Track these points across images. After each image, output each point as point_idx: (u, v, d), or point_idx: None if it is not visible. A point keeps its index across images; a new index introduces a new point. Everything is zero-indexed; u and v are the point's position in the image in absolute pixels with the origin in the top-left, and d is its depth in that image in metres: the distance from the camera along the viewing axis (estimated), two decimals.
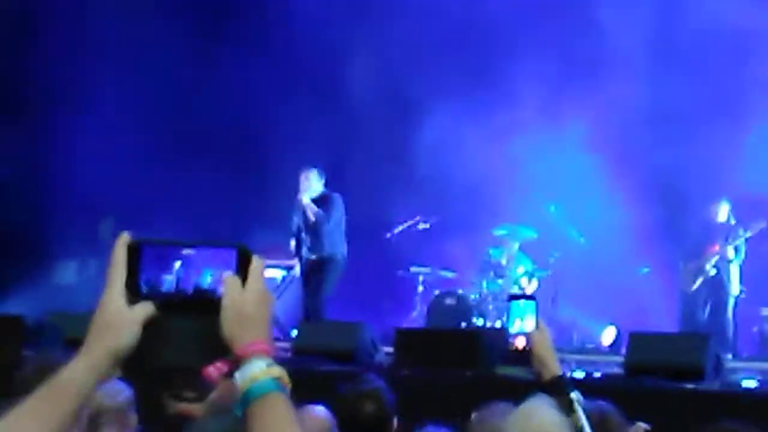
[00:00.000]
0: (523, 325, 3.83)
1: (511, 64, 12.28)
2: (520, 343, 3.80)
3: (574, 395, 3.59)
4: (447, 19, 13.06)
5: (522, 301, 3.96)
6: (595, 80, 12.10)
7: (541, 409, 3.44)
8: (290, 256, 12.09)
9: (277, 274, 12.41)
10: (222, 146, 13.87)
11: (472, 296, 11.92)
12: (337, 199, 11.29)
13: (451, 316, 11.62)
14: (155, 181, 13.04)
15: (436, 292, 12.16)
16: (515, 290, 11.89)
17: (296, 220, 11.41)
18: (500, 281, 11.95)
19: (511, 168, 12.44)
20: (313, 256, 11.29)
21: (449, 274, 12.62)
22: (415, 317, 12.19)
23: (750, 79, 11.68)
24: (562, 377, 3.71)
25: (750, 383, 8.24)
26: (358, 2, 13.37)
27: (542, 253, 12.28)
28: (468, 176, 12.70)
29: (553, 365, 3.70)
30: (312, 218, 11.13)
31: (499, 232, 12.21)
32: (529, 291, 11.88)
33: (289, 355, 9.76)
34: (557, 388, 3.59)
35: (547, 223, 12.27)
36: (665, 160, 11.93)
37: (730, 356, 9.92)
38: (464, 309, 11.69)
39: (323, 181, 11.29)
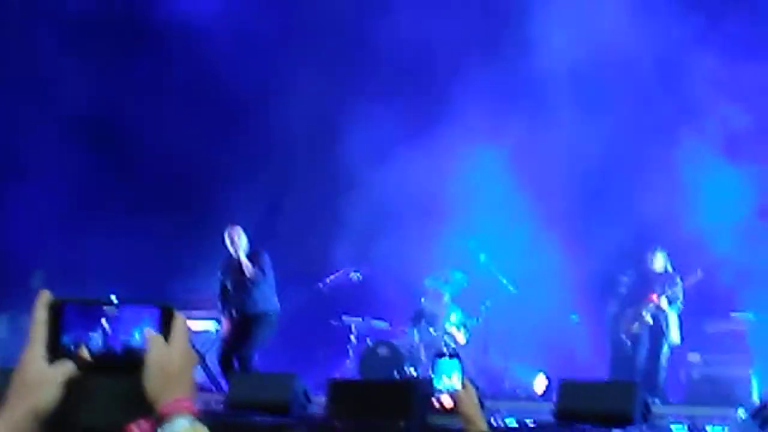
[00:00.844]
0: (449, 382, 3.92)
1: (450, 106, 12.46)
2: (446, 401, 3.90)
3: None
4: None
5: (447, 359, 4.07)
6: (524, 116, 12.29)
7: None
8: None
9: (211, 326, 12.34)
10: (154, 197, 13.80)
11: (405, 346, 11.96)
12: (266, 256, 11.32)
13: (383, 365, 11.64)
14: (86, 233, 12.94)
15: (369, 341, 12.19)
16: (447, 339, 11.95)
17: (222, 278, 11.39)
18: (432, 330, 12.01)
19: (441, 215, 12.57)
20: (247, 313, 11.26)
21: (381, 324, 12.65)
22: (349, 366, 12.18)
23: (685, 123, 11.95)
24: None
25: (678, 428, 8.37)
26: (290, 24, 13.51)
27: (473, 300, 12.37)
28: (398, 224, 12.79)
29: (479, 422, 3.78)
30: (249, 275, 11.13)
31: (430, 283, 12.29)
32: (460, 340, 11.96)
33: (222, 407, 9.73)
34: None
35: (477, 271, 12.39)
36: (597, 206, 12.15)
37: (658, 402, 10.05)
38: (397, 359, 11.71)
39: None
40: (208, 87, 13.76)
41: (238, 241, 11.15)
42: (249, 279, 11.12)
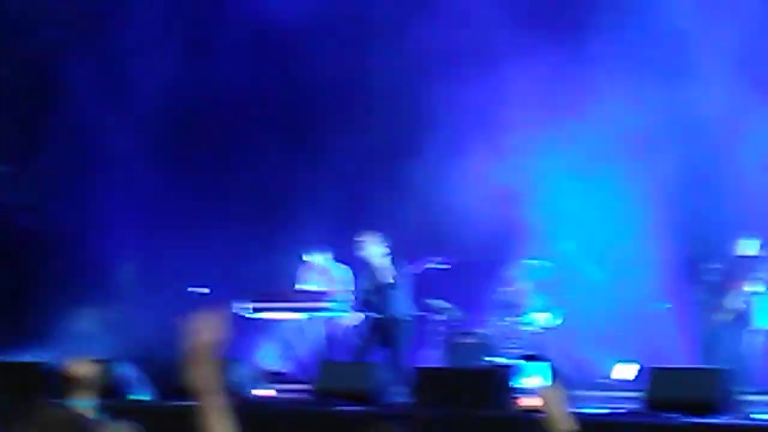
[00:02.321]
0: (533, 383, 3.94)
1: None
2: (529, 401, 3.93)
3: None
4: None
5: (534, 362, 4.10)
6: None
7: None
8: (310, 299, 12.26)
9: (301, 316, 12.47)
10: (236, 201, 13.99)
11: (490, 335, 11.96)
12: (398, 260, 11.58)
13: (469, 354, 11.66)
14: (169, 230, 13.12)
15: (455, 331, 12.21)
16: (533, 328, 11.92)
17: (364, 281, 11.70)
18: (518, 319, 11.98)
19: (526, 205, 12.51)
20: (382, 316, 11.49)
21: (467, 314, 12.65)
22: (435, 356, 12.21)
23: None
24: None
25: (762, 416, 8.25)
26: None
27: (560, 289, 12.31)
28: (483, 215, 12.76)
29: (567, 422, 3.78)
30: (389, 279, 11.38)
31: (516, 272, 12.26)
32: (545, 327, 11.93)
33: (309, 396, 9.84)
34: None
35: (564, 259, 12.32)
36: (688, 192, 11.99)
37: (749, 390, 9.90)
38: (482, 348, 11.73)
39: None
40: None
41: (372, 247, 11.46)
42: (388, 284, 11.40)
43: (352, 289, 12.40)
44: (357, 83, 13.59)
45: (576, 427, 3.83)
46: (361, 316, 11.70)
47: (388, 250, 11.51)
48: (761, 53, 11.96)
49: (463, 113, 12.71)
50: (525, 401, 3.49)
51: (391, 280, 11.40)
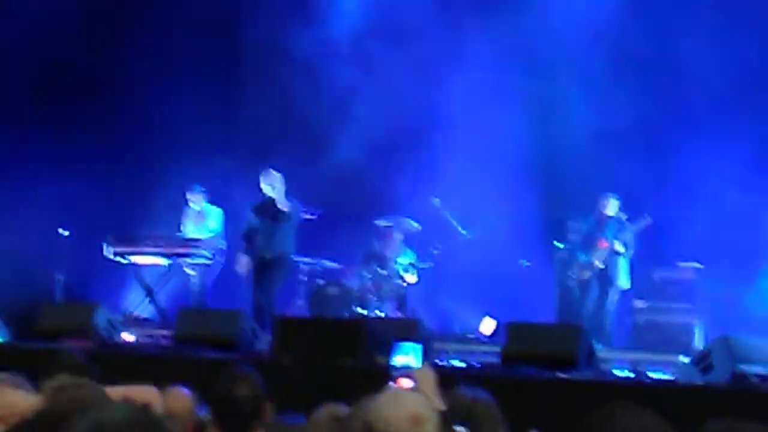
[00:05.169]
0: (406, 361, 3.98)
1: None
2: (404, 383, 3.96)
3: (459, 429, 3.73)
4: None
5: (409, 343, 4.15)
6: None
7: (404, 392, 3.54)
8: (173, 244, 12.13)
9: (163, 261, 12.35)
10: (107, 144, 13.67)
11: (355, 286, 12.01)
12: (297, 202, 11.53)
13: (333, 305, 11.71)
14: (36, 166, 12.77)
15: (319, 281, 12.23)
16: (397, 282, 12.02)
17: (251, 220, 11.54)
18: (382, 271, 12.05)
19: (396, 159, 12.58)
20: (267, 255, 11.39)
21: (332, 264, 12.69)
22: (298, 306, 12.22)
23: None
24: (445, 413, 3.83)
25: (621, 372, 8.49)
26: None
27: (425, 244, 12.43)
28: (354, 166, 12.79)
29: (436, 403, 3.82)
30: (284, 209, 11.29)
31: (382, 223, 12.32)
32: (410, 280, 12.03)
33: (169, 341, 9.75)
34: (443, 424, 3.72)
35: (430, 214, 12.43)
36: (552, 152, 12.21)
37: (603, 346, 10.19)
38: (346, 299, 11.78)
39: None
40: None
41: (277, 183, 11.29)
42: (280, 220, 11.32)
43: (221, 232, 12.33)
44: None
45: (444, 407, 3.89)
46: (246, 259, 11.61)
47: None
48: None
49: None
50: (402, 382, 3.53)
51: (286, 212, 11.33)
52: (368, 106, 12.74)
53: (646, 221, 11.39)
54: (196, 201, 12.51)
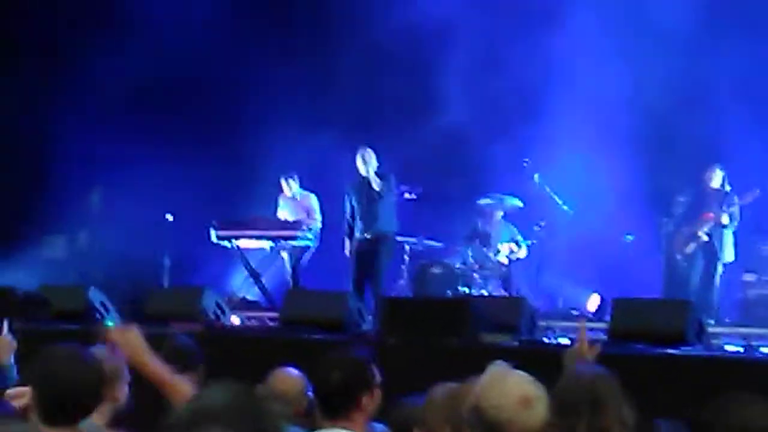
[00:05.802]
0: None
1: None
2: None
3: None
4: None
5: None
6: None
7: (512, 372, 3.51)
8: (275, 227, 12.24)
9: (266, 244, 12.47)
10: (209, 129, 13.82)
11: (458, 265, 11.99)
12: (393, 177, 11.55)
13: (436, 284, 11.69)
14: (143, 154, 12.98)
15: (422, 261, 12.23)
16: (501, 259, 11.97)
17: (350, 202, 11.62)
18: (486, 250, 12.01)
19: (496, 137, 12.48)
20: (368, 235, 11.46)
21: (435, 244, 12.67)
22: (401, 286, 12.24)
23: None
24: None
25: (732, 347, 8.34)
26: None
27: (527, 222, 12.34)
28: (453, 147, 12.74)
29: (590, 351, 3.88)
30: (377, 189, 11.31)
31: (484, 202, 12.27)
32: (520, 255, 11.98)
33: (276, 324, 9.84)
34: None
35: (531, 193, 12.33)
36: (654, 125, 12.01)
37: (712, 322, 10.01)
38: (450, 278, 11.76)
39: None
40: None
41: (371, 161, 11.33)
42: (376, 199, 11.33)
43: (319, 218, 12.42)
44: None
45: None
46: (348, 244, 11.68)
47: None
48: None
49: None
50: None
51: (378, 190, 11.34)
52: (466, 75, 12.60)
53: (754, 194, 11.15)
54: (291, 187, 12.58)
